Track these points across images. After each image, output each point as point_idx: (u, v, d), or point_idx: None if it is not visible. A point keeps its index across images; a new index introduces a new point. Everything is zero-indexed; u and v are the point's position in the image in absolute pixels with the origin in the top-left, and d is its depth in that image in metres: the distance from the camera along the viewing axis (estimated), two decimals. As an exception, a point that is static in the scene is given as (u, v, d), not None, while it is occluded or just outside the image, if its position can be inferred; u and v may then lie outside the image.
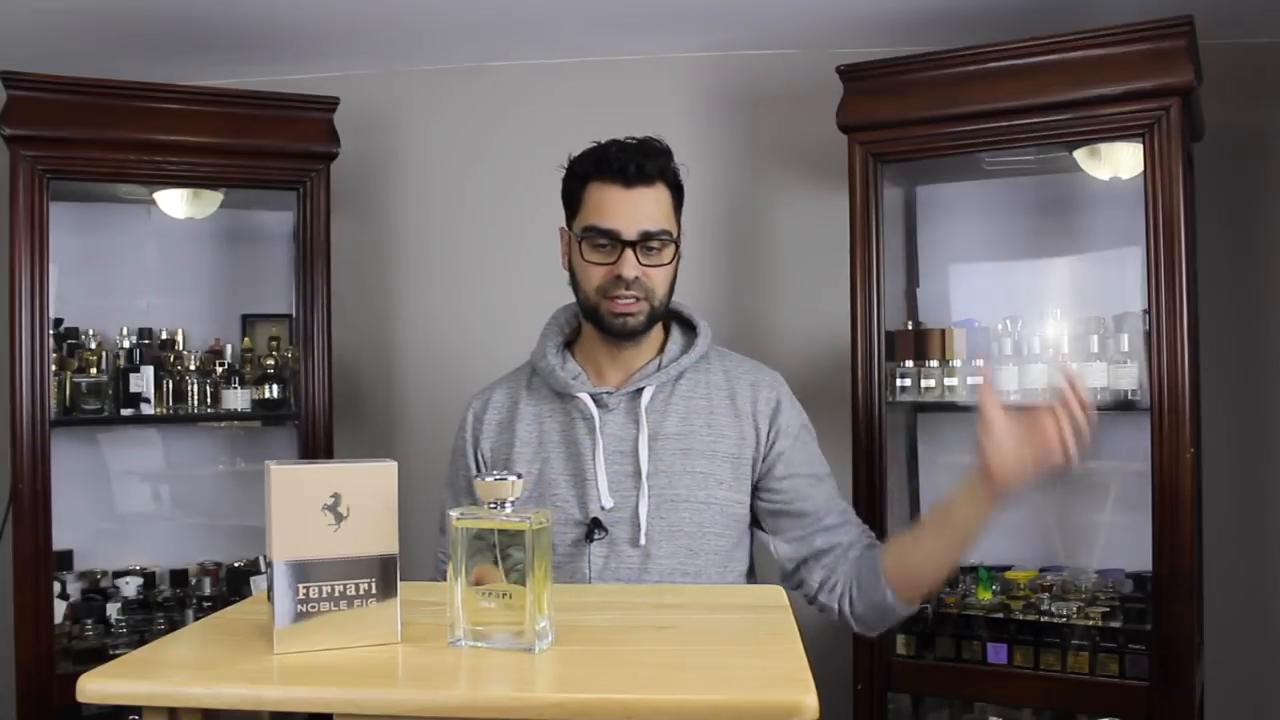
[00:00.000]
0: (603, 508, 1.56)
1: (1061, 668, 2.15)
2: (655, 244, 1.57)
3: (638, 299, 1.56)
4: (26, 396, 2.26)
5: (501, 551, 1.00)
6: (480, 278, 2.86)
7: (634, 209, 1.55)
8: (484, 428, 1.68)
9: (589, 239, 1.57)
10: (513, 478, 1.03)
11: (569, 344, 1.70)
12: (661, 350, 1.65)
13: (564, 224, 1.66)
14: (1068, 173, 2.34)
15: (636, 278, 1.55)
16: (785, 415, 1.65)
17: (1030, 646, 2.18)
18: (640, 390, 1.61)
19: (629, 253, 1.55)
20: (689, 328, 1.69)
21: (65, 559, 2.52)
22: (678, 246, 1.61)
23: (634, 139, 1.58)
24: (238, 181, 2.50)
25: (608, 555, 1.56)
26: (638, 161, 1.55)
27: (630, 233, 1.55)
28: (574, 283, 1.63)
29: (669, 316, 1.70)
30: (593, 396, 1.60)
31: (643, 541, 1.55)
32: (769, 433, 1.64)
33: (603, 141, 1.59)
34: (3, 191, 2.33)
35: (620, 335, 1.59)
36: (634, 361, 1.64)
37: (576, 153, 1.62)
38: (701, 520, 1.58)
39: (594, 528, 1.55)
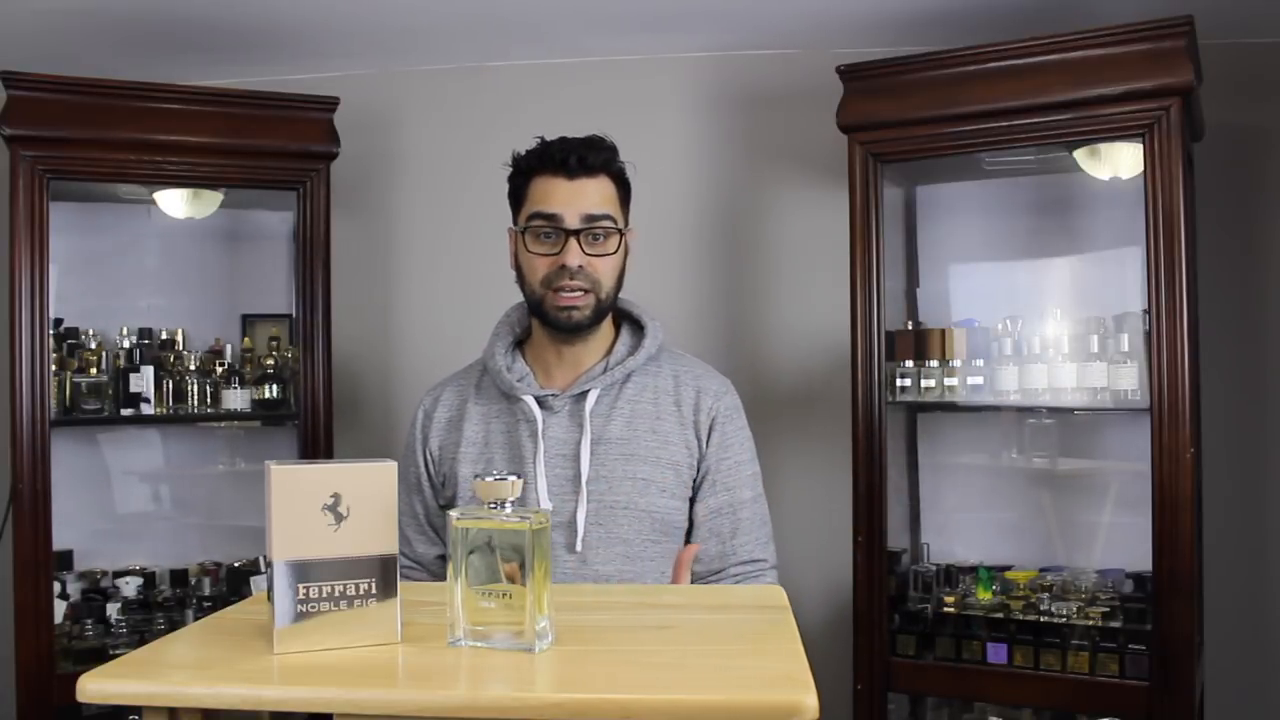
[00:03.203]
0: None
1: (1061, 668, 2.15)
2: (599, 231, 1.56)
3: (584, 291, 1.55)
4: (26, 396, 2.26)
5: (499, 551, 1.00)
6: (480, 277, 2.84)
7: (577, 197, 1.55)
8: (433, 425, 1.68)
9: (532, 229, 1.57)
10: (512, 478, 1.03)
11: (520, 343, 1.69)
12: (610, 351, 1.64)
13: (510, 225, 1.66)
14: (1068, 173, 2.35)
15: (581, 267, 1.54)
16: (722, 430, 1.63)
17: (1030, 646, 2.18)
18: (586, 393, 1.59)
19: (573, 241, 1.54)
20: (639, 327, 1.67)
21: (65, 559, 2.52)
22: (623, 237, 1.60)
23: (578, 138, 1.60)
24: (238, 181, 2.50)
25: None
26: (579, 153, 1.56)
27: (573, 220, 1.55)
28: (520, 279, 1.63)
29: (619, 316, 1.68)
30: (537, 399, 1.59)
31: (579, 548, 1.54)
32: (705, 445, 1.62)
33: (546, 138, 1.60)
34: (3, 191, 2.33)
35: (566, 329, 1.58)
36: (582, 362, 1.63)
37: (519, 151, 1.63)
38: (640, 528, 1.57)
39: None
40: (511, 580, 1.01)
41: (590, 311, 1.57)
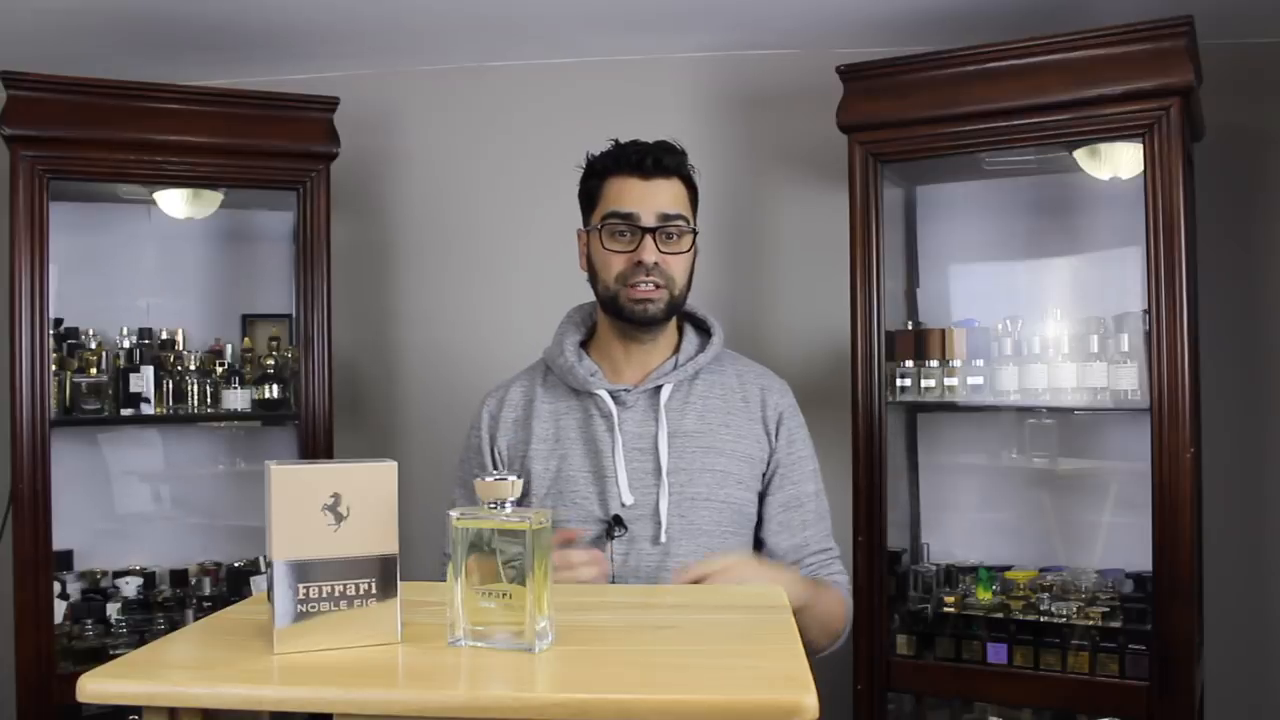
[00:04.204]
0: (623, 504, 1.57)
1: (1061, 668, 2.15)
2: (673, 230, 1.59)
3: (658, 285, 1.58)
4: (26, 396, 2.26)
5: (501, 551, 1.00)
6: (480, 277, 2.86)
7: (652, 197, 1.59)
8: (500, 425, 1.68)
9: (609, 226, 1.60)
10: (512, 478, 1.03)
11: (584, 343, 1.71)
12: (677, 350, 1.67)
13: (580, 227, 1.69)
14: (1068, 173, 2.34)
15: (656, 263, 1.57)
16: (788, 426, 1.68)
17: (1030, 646, 2.18)
18: (658, 388, 1.62)
19: (648, 239, 1.58)
20: (702, 329, 1.71)
21: (65, 559, 2.52)
22: (695, 236, 1.63)
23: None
24: (238, 181, 2.50)
25: (628, 552, 1.57)
26: (655, 155, 1.60)
27: (649, 218, 1.58)
28: (592, 278, 1.65)
29: (682, 317, 1.71)
30: (611, 393, 1.62)
31: (663, 539, 1.56)
32: (774, 441, 1.66)
33: (620, 141, 1.64)
34: (3, 191, 2.33)
35: (641, 323, 1.60)
36: (650, 360, 1.66)
37: (593, 153, 1.66)
38: (720, 519, 1.60)
39: (615, 524, 1.56)
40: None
41: (664, 306, 1.60)
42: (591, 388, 1.62)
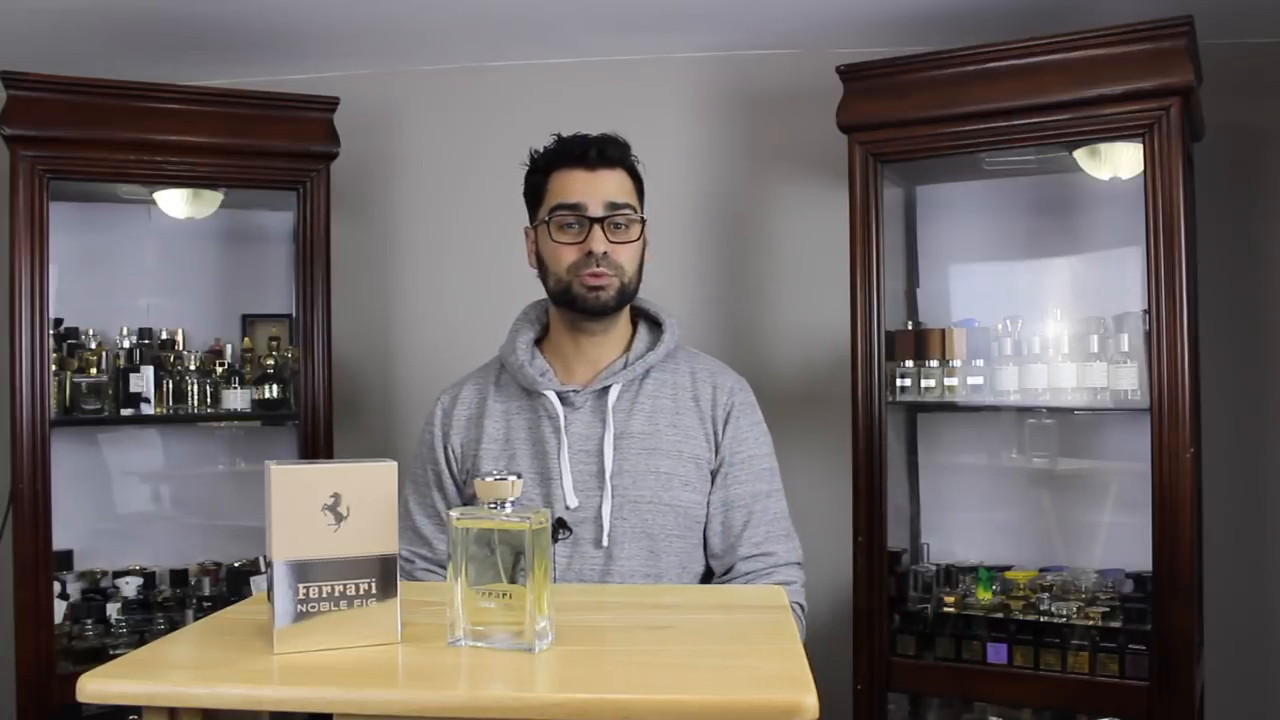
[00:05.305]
0: (567, 507, 1.56)
1: (1061, 668, 2.15)
2: (621, 219, 1.59)
3: (609, 275, 1.58)
4: (26, 396, 2.26)
5: (500, 551, 1.00)
6: (479, 278, 2.86)
7: (598, 187, 1.59)
8: (453, 423, 1.68)
9: (557, 219, 1.60)
10: (513, 478, 1.03)
11: (539, 340, 1.70)
12: (629, 347, 1.66)
13: (527, 224, 1.69)
14: (1068, 173, 2.34)
15: (605, 253, 1.57)
16: (736, 424, 1.64)
17: (1030, 646, 2.18)
18: (607, 388, 1.61)
19: (597, 229, 1.57)
20: (656, 325, 1.69)
21: (65, 559, 2.52)
22: (644, 225, 1.63)
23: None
24: (238, 181, 2.50)
25: (571, 555, 1.55)
26: (599, 146, 1.60)
27: (596, 208, 1.58)
28: (543, 272, 1.65)
29: (636, 314, 1.70)
30: (559, 394, 1.61)
31: (605, 543, 1.55)
32: (719, 439, 1.63)
33: (563, 135, 1.64)
34: (3, 191, 2.33)
35: (594, 310, 1.59)
36: (601, 357, 1.64)
37: (536, 149, 1.66)
38: (664, 522, 1.58)
39: (559, 528, 1.55)
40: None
41: (615, 294, 1.59)
42: (540, 388, 1.61)
